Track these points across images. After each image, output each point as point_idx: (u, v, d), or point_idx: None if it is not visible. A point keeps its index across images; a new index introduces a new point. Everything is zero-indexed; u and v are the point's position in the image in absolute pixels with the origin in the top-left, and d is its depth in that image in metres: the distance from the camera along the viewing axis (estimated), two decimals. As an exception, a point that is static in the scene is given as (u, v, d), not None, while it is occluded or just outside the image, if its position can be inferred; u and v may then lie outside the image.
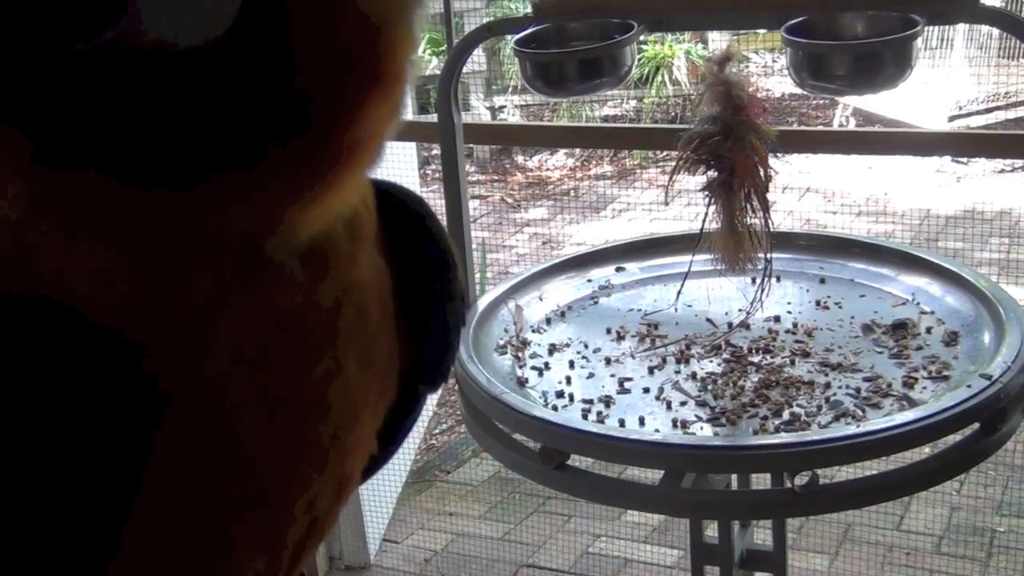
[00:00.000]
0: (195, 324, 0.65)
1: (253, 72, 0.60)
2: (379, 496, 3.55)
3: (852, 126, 7.50)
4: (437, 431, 4.49)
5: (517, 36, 2.13)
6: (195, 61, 0.59)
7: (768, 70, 8.45)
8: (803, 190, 6.70)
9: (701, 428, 1.77)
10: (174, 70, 0.59)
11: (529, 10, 2.21)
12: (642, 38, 2.12)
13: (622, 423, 1.79)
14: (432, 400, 3.90)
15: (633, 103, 8.17)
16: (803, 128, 6.61)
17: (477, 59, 6.69)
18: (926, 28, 1.87)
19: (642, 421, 1.79)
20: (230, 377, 0.68)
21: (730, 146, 1.94)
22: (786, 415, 1.77)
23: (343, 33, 0.62)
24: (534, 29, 2.13)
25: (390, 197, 0.83)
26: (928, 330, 1.98)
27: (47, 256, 0.62)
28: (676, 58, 7.84)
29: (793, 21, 1.93)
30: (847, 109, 7.54)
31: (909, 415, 1.69)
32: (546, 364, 2.00)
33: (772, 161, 1.98)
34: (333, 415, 0.75)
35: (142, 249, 0.63)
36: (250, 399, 0.69)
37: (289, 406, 0.72)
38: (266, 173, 0.62)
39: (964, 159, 6.82)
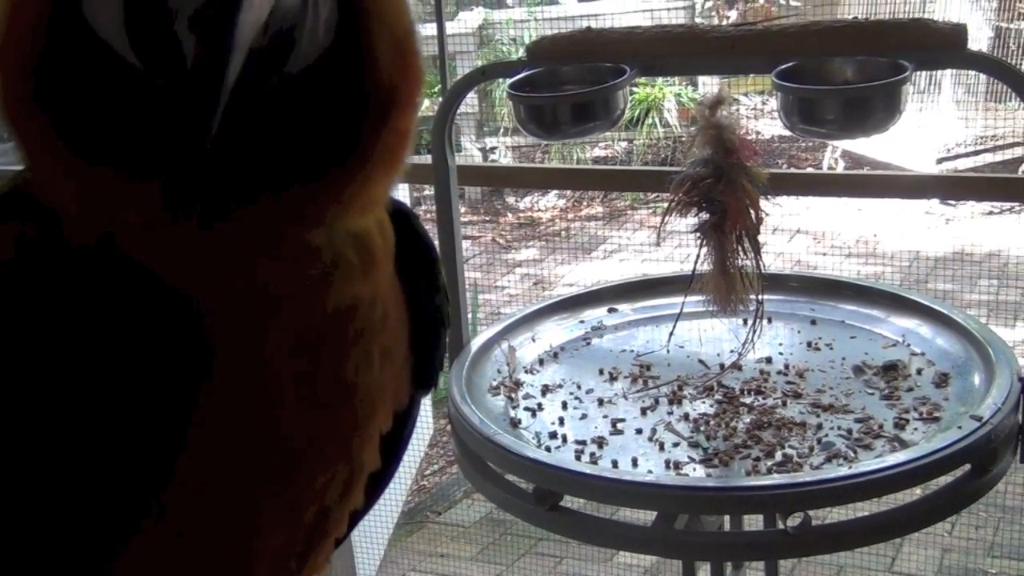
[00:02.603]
0: (261, 305, 0.75)
1: (340, 95, 0.72)
2: (370, 537, 3.54)
3: (841, 168, 7.55)
4: (428, 472, 4.48)
5: (511, 80, 2.15)
6: (295, 89, 0.70)
7: (758, 112, 8.51)
8: (793, 231, 6.74)
9: (694, 469, 1.78)
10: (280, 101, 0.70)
11: (523, 54, 2.23)
12: (633, 81, 2.15)
13: (615, 464, 1.79)
14: (424, 441, 3.89)
15: (624, 144, 8.22)
16: (793, 171, 6.64)
17: (469, 101, 6.71)
18: (915, 73, 1.90)
19: (635, 462, 1.80)
20: (282, 354, 0.76)
21: (721, 189, 1.96)
22: (778, 456, 1.78)
23: (406, 61, 0.76)
24: (527, 73, 2.15)
25: None
26: (919, 371, 1.99)
27: (154, 243, 0.72)
28: (666, 100, 7.90)
29: (784, 66, 1.95)
30: (836, 151, 7.59)
31: (900, 456, 1.70)
32: (539, 405, 2.00)
33: (763, 203, 2.00)
34: (359, 402, 0.83)
35: (231, 247, 0.72)
36: (296, 377, 0.78)
37: (327, 388, 0.80)
38: (341, 169, 0.74)
39: (953, 201, 6.87)
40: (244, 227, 0.71)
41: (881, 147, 6.90)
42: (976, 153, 7.28)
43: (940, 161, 7.15)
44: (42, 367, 0.72)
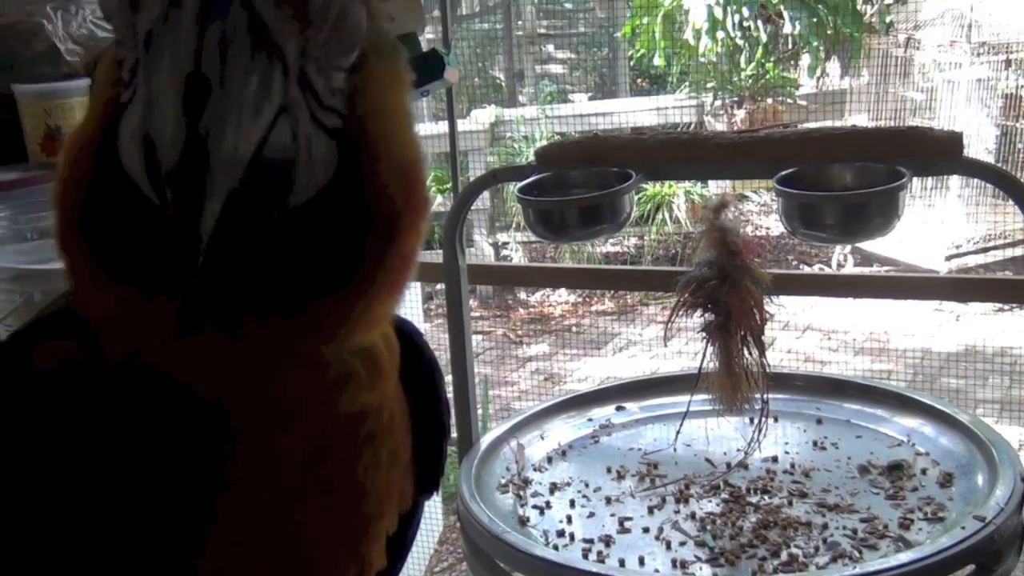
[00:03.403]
0: (276, 413, 0.80)
1: (343, 224, 0.77)
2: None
3: (851, 265, 7.61)
4: (438, 569, 4.46)
5: (520, 184, 2.21)
6: (301, 219, 0.75)
7: (767, 209, 8.60)
8: (803, 328, 6.76)
9: (700, 568, 1.79)
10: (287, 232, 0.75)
11: (532, 159, 2.30)
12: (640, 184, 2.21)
13: (622, 563, 1.81)
14: (433, 537, 3.89)
15: (634, 240, 8.30)
16: (799, 272, 6.70)
17: (482, 197, 6.82)
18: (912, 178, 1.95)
19: (642, 561, 1.81)
20: (296, 456, 0.81)
21: (726, 290, 2.01)
22: (784, 556, 1.79)
23: (409, 190, 0.81)
24: (536, 177, 2.22)
25: None
26: (923, 471, 2.01)
27: (178, 356, 0.77)
28: (676, 197, 7.99)
29: (784, 172, 2.01)
30: (845, 248, 7.64)
31: (905, 557, 1.71)
32: (547, 503, 2.02)
33: (767, 304, 2.04)
34: (368, 502, 0.88)
35: (247, 360, 0.77)
36: (309, 478, 0.82)
37: (339, 488, 0.85)
38: (347, 292, 0.79)
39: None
40: (258, 342, 0.77)
41: (890, 244, 6.96)
42: (985, 250, 7.33)
43: (949, 258, 7.19)
44: (70, 469, 0.77)
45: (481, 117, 8.02)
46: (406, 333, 0.95)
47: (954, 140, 1.99)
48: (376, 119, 0.79)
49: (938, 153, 1.97)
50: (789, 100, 8.48)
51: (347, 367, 0.82)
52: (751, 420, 2.15)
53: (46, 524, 0.78)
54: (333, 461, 0.84)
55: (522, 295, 8.06)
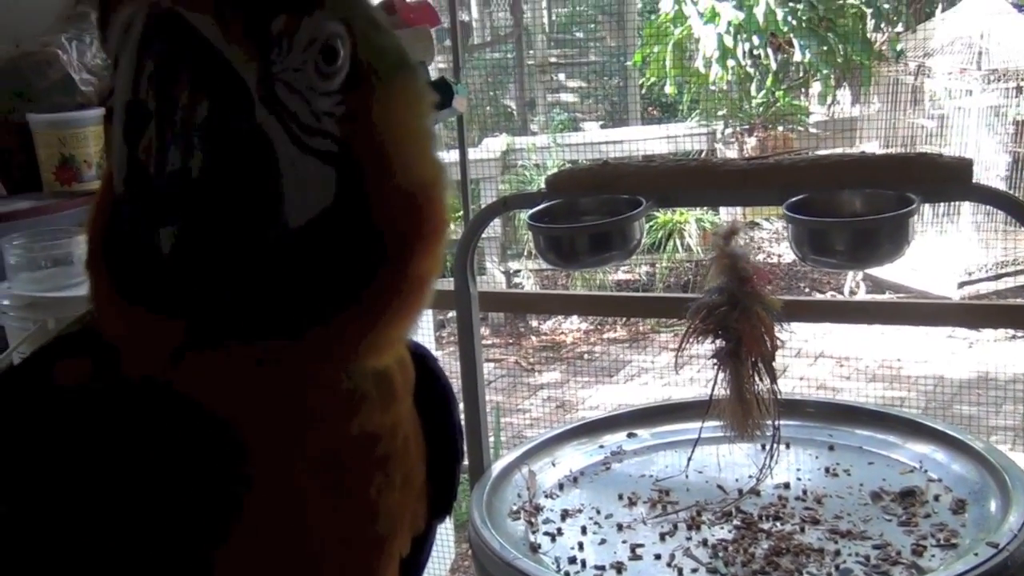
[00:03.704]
0: (290, 433, 0.80)
1: (347, 246, 0.77)
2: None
3: (863, 292, 7.60)
4: (450, 597, 4.44)
5: (531, 211, 2.23)
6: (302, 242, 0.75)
7: (778, 236, 8.61)
8: (816, 355, 6.75)
9: (712, 595, 1.79)
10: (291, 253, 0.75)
11: (542, 186, 2.31)
12: (650, 211, 2.22)
13: (634, 590, 1.80)
14: (445, 565, 3.87)
15: (646, 268, 8.31)
16: (810, 298, 6.69)
17: (493, 225, 6.85)
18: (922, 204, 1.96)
19: (653, 588, 1.81)
20: (310, 477, 0.82)
21: (736, 316, 2.01)
22: (796, 583, 1.79)
23: (420, 212, 0.81)
24: (547, 204, 2.23)
25: None
26: (936, 498, 2.01)
27: (196, 376, 0.78)
28: (688, 225, 8.00)
29: (794, 198, 2.01)
30: (857, 275, 7.64)
31: (918, 583, 1.71)
32: (559, 530, 2.02)
33: (778, 330, 2.04)
34: (381, 522, 0.88)
35: (261, 380, 0.78)
36: (323, 497, 0.83)
37: (352, 508, 0.85)
38: (356, 314, 0.79)
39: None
40: (270, 362, 0.77)
41: (902, 271, 6.96)
42: (997, 277, 7.31)
43: (961, 285, 7.18)
44: (87, 485, 0.78)
45: (493, 146, 8.05)
46: (421, 358, 0.95)
47: (964, 167, 1.99)
48: (382, 141, 0.79)
49: (948, 179, 1.98)
50: (800, 128, 8.50)
51: (360, 388, 0.83)
52: (763, 446, 2.14)
53: (64, 538, 0.78)
54: (347, 482, 0.84)
55: (534, 323, 8.07)
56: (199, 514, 0.78)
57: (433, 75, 3.00)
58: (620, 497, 2.12)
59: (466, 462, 2.31)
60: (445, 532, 3.51)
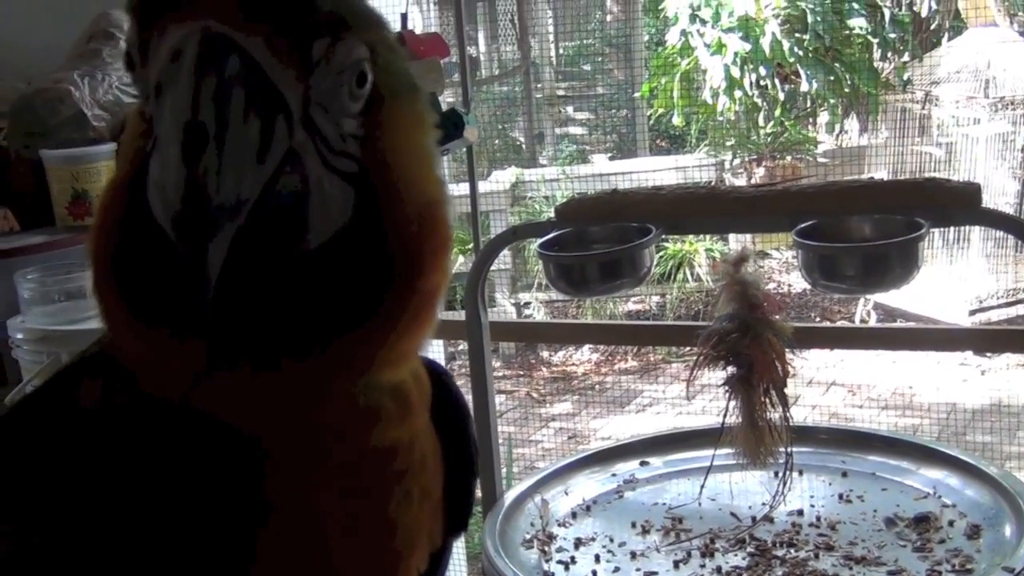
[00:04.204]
0: (307, 448, 0.81)
1: (362, 263, 0.79)
2: None
3: (874, 320, 7.58)
4: (463, 629, 4.41)
5: (541, 240, 2.23)
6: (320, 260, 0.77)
7: (788, 266, 8.60)
8: (828, 384, 6.73)
9: (727, 623, 1.78)
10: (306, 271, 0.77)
11: (552, 215, 2.32)
12: (663, 237, 2.22)
13: (648, 618, 1.79)
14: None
15: (656, 298, 8.31)
16: (821, 325, 6.68)
17: (503, 257, 6.87)
18: (931, 229, 1.96)
19: (668, 616, 1.80)
20: (329, 492, 0.82)
21: (747, 343, 2.01)
22: (811, 609, 1.78)
23: (429, 229, 0.82)
24: (557, 233, 2.24)
25: None
26: (950, 523, 2.00)
27: (213, 394, 0.79)
28: (697, 255, 8.01)
29: (803, 224, 2.02)
30: (868, 303, 7.62)
31: (934, 609, 1.70)
32: (572, 558, 2.01)
33: (789, 357, 2.04)
34: (400, 537, 0.89)
35: (277, 396, 0.79)
36: (342, 512, 0.83)
37: (371, 523, 0.86)
38: (370, 329, 0.80)
39: (988, 353, 6.85)
40: (286, 378, 0.78)
41: (913, 299, 6.94)
42: (1008, 304, 7.29)
43: (973, 313, 7.16)
44: (109, 505, 0.79)
45: (502, 178, 8.08)
46: (436, 374, 0.97)
47: (972, 191, 2.00)
48: (394, 161, 0.81)
49: (956, 204, 1.98)
50: (809, 157, 8.52)
51: (376, 402, 0.84)
52: (776, 473, 2.14)
53: (97, 559, 0.79)
54: (365, 496, 0.85)
55: (545, 354, 8.06)
56: (229, 533, 0.79)
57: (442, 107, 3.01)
58: (633, 525, 2.12)
59: (478, 493, 2.31)
60: (458, 562, 3.50)
